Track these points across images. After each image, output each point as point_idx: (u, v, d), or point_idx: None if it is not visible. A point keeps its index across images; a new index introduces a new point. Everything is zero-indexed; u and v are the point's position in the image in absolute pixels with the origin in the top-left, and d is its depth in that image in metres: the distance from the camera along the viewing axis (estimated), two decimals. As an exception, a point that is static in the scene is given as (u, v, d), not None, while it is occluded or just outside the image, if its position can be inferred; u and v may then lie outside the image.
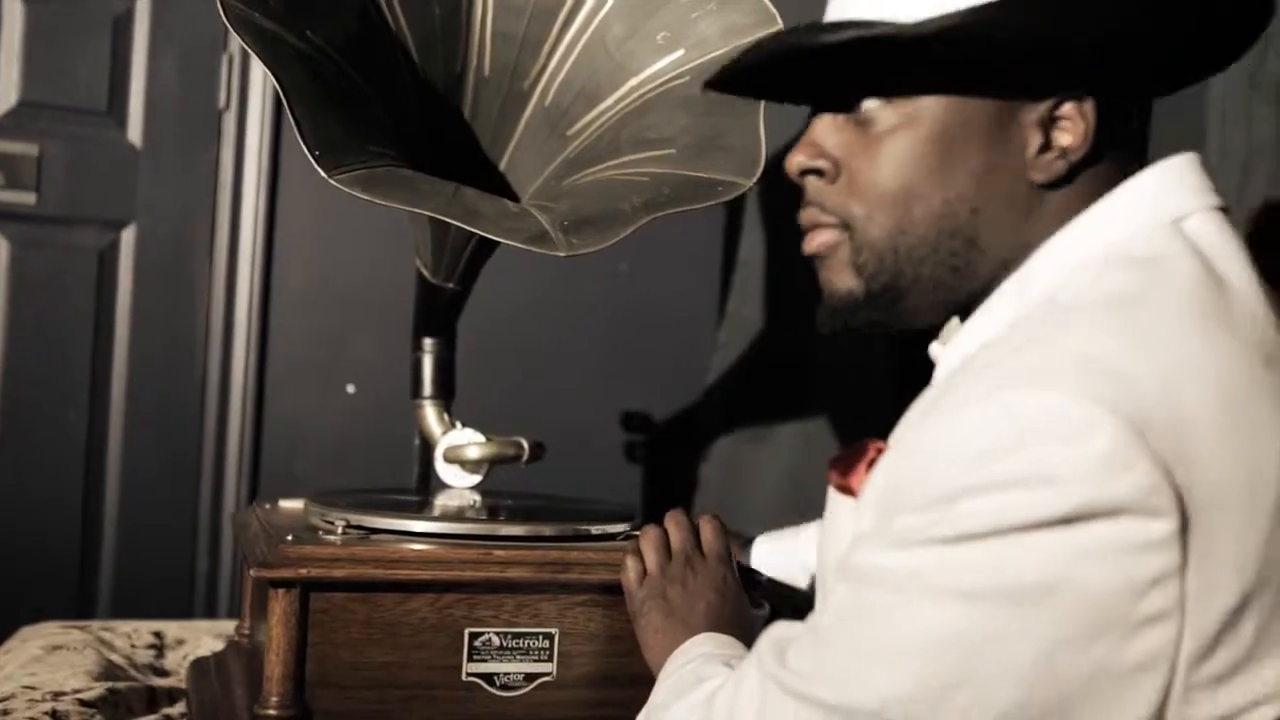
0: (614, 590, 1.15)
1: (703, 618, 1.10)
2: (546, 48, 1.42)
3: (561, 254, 1.07)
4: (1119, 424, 0.70)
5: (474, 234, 1.09)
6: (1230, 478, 0.72)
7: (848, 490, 0.89)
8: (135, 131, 2.13)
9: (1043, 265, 0.84)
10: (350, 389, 2.27)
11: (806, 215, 0.90)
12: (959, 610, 0.72)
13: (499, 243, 1.18)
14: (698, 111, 1.28)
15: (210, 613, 2.19)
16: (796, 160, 0.89)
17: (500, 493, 1.41)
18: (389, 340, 2.03)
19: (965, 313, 0.89)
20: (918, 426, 0.79)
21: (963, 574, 0.72)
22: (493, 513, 1.27)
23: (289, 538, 1.14)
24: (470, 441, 1.40)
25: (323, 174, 1.04)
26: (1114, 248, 0.81)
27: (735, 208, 2.51)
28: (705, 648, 1.05)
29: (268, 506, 1.42)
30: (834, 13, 0.88)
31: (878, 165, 0.85)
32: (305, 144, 1.05)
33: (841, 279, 0.89)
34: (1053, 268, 0.84)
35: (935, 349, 0.95)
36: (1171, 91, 0.94)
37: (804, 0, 2.21)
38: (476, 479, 1.42)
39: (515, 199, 1.44)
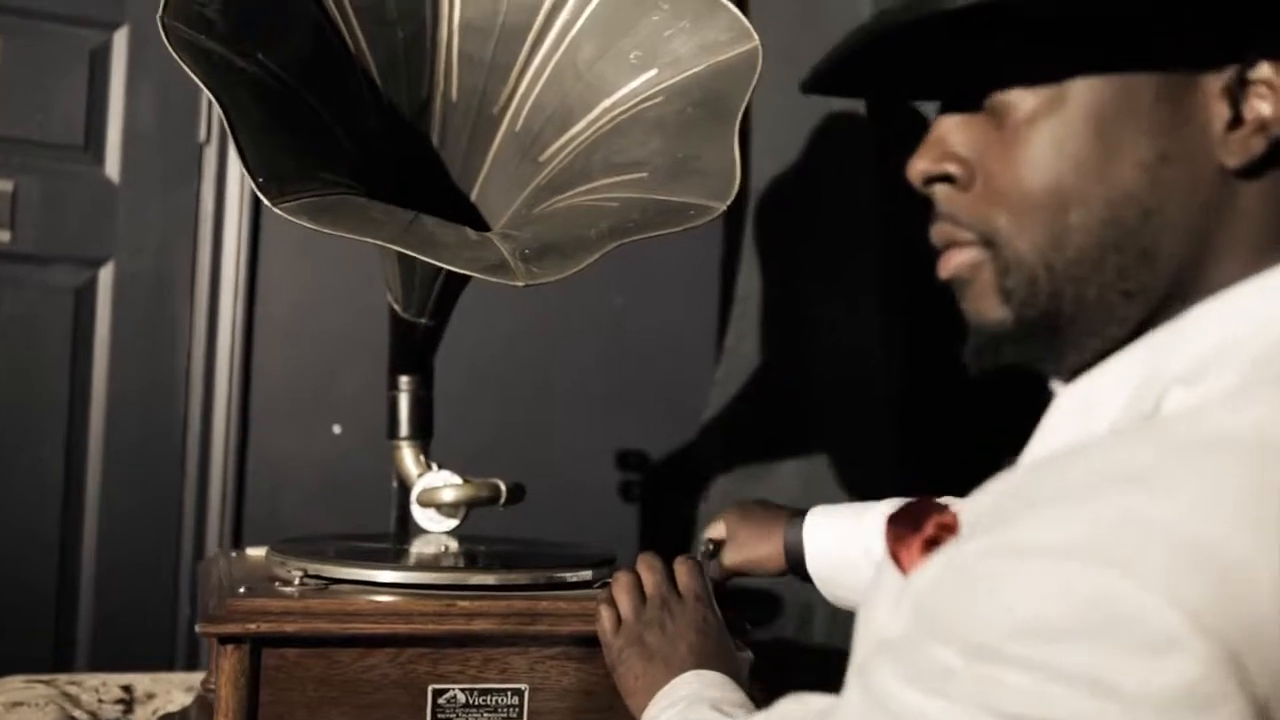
0: (588, 642, 1.09)
1: (685, 657, 1.04)
2: (515, 71, 1.36)
3: (520, 284, 1.01)
4: (1214, 651, 0.52)
5: (440, 266, 1.03)
6: None
7: (898, 564, 0.72)
8: (113, 166, 2.08)
9: (1204, 320, 0.66)
10: (336, 429, 2.20)
11: (939, 232, 0.73)
12: None
13: (468, 275, 1.12)
14: (671, 133, 1.22)
15: (192, 663, 2.12)
16: (919, 167, 0.73)
17: (477, 538, 1.34)
18: (376, 378, 1.96)
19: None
20: (987, 536, 0.60)
21: None
22: (460, 560, 1.20)
23: (241, 590, 1.07)
24: (445, 484, 1.35)
25: (266, 202, 0.98)
26: None
27: (733, 240, 2.45)
28: (691, 687, 1.00)
29: (234, 554, 1.36)
30: None
31: (1019, 163, 0.68)
32: (248, 170, 0.99)
33: (989, 308, 0.71)
34: (1213, 329, 0.65)
35: (1056, 384, 0.75)
36: None
37: (785, 17, 2.18)
38: (453, 523, 1.36)
39: (487, 228, 1.39)
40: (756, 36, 1.25)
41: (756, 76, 1.22)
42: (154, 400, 2.11)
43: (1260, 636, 0.53)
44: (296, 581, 1.10)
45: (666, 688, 1.01)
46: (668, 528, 2.45)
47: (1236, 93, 0.64)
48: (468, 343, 2.20)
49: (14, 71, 2.00)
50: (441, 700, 1.07)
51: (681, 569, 1.12)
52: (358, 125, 1.29)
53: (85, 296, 2.08)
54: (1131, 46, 0.66)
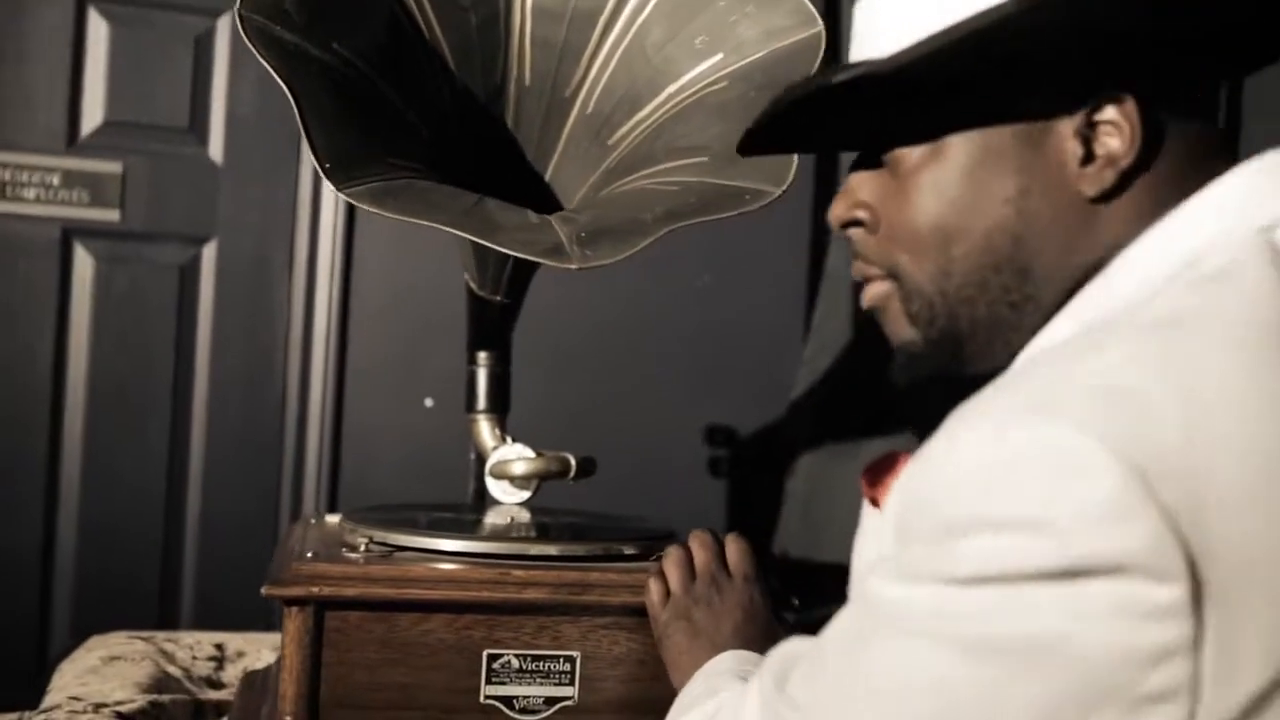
0: (639, 613, 1.12)
1: (730, 637, 1.06)
2: (587, 54, 1.39)
3: (574, 266, 1.04)
4: (1125, 468, 0.62)
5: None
6: (1262, 541, 0.63)
7: (875, 503, 0.86)
8: (216, 148, 2.17)
9: (1108, 283, 0.77)
10: (428, 403, 2.27)
11: (856, 268, 0.87)
12: (950, 659, 0.66)
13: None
14: (733, 118, 1.23)
15: (286, 624, 2.21)
16: (835, 213, 0.86)
17: (548, 510, 1.38)
18: (465, 354, 2.03)
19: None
20: (932, 442, 0.71)
21: (959, 621, 0.65)
22: (518, 531, 1.24)
23: (309, 554, 1.13)
24: (517, 457, 1.38)
25: (332, 187, 1.02)
26: (1187, 262, 0.73)
27: (822, 218, 2.46)
28: (727, 664, 1.02)
29: (314, 520, 1.42)
30: (852, 52, 0.84)
31: (909, 208, 0.81)
32: (315, 157, 1.04)
33: (900, 331, 0.84)
34: (1118, 285, 0.76)
35: None
36: (1244, 73, 0.85)
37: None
38: (525, 495, 1.39)
39: (561, 208, 1.42)
40: (820, 22, 1.26)
41: (819, 61, 1.23)
42: (254, 373, 2.20)
43: (1167, 461, 0.62)
44: (362, 548, 1.15)
45: (707, 665, 1.03)
46: (756, 505, 2.47)
47: (1086, 133, 0.76)
48: (558, 320, 2.25)
49: (122, 57, 2.10)
50: (496, 665, 1.11)
51: (733, 547, 1.14)
52: (433, 109, 1.33)
53: (189, 274, 2.18)
54: (992, 102, 0.78)
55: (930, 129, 0.80)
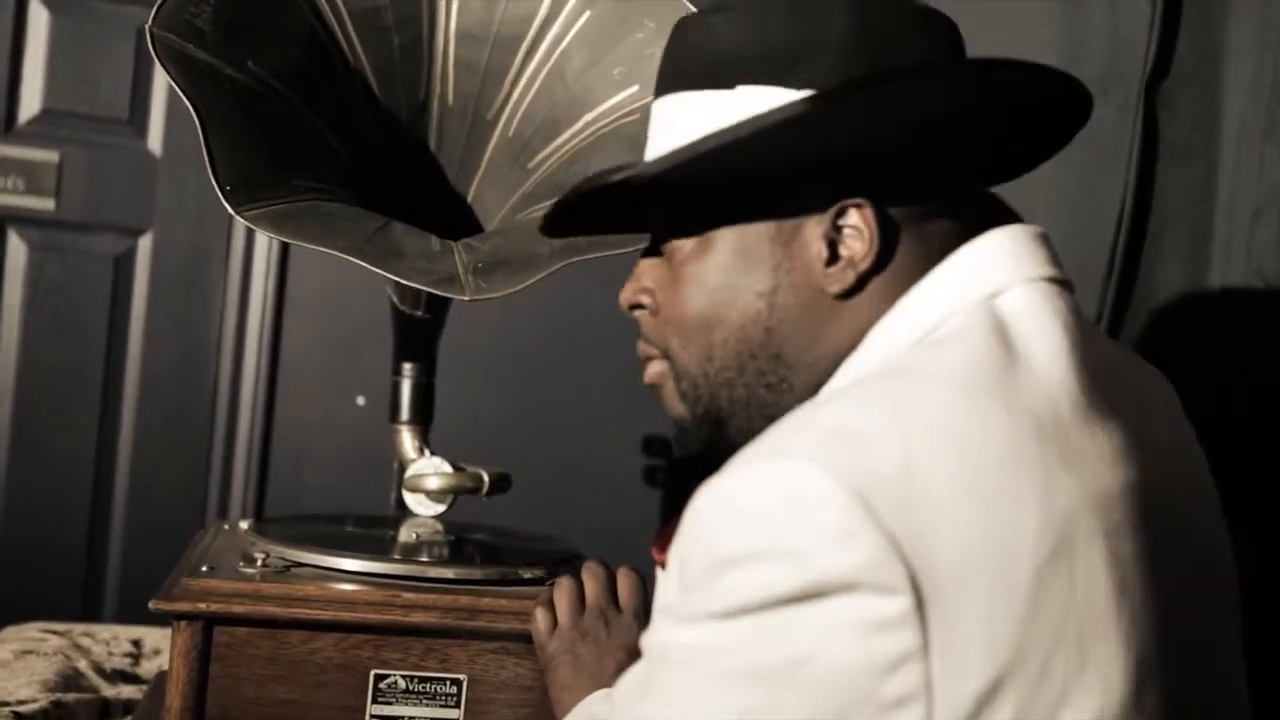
0: (527, 639, 1.14)
1: (612, 676, 1.06)
2: (509, 78, 1.41)
3: (466, 298, 1.05)
4: (848, 494, 0.69)
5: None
6: (974, 554, 0.70)
7: (663, 565, 0.90)
8: (155, 141, 2.17)
9: (853, 362, 0.84)
10: (360, 401, 2.28)
11: (641, 348, 0.94)
12: (721, 689, 0.72)
13: None
14: (642, 151, 1.25)
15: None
16: (623, 297, 0.95)
17: (463, 525, 1.40)
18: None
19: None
20: (694, 497, 0.78)
21: (724, 654, 0.72)
22: (416, 552, 1.26)
23: (202, 569, 1.14)
24: (433, 472, 1.40)
25: (230, 210, 1.04)
26: (923, 333, 0.81)
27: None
28: (600, 706, 1.03)
29: (225, 527, 1.43)
30: (646, 153, 0.92)
31: (679, 296, 0.89)
32: (215, 180, 1.05)
33: (673, 407, 0.92)
34: (862, 361, 0.83)
35: None
36: (990, 181, 0.92)
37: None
38: (440, 508, 1.41)
39: (481, 230, 1.43)
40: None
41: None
42: (186, 366, 2.21)
43: (886, 487, 0.70)
44: (259, 563, 1.16)
45: (583, 701, 1.05)
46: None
47: (832, 235, 0.83)
48: (489, 330, 2.26)
49: (63, 47, 2.10)
50: (383, 685, 1.13)
51: (624, 582, 1.15)
52: (353, 129, 1.35)
53: (124, 264, 2.18)
54: (746, 205, 0.85)
55: (694, 225, 0.87)
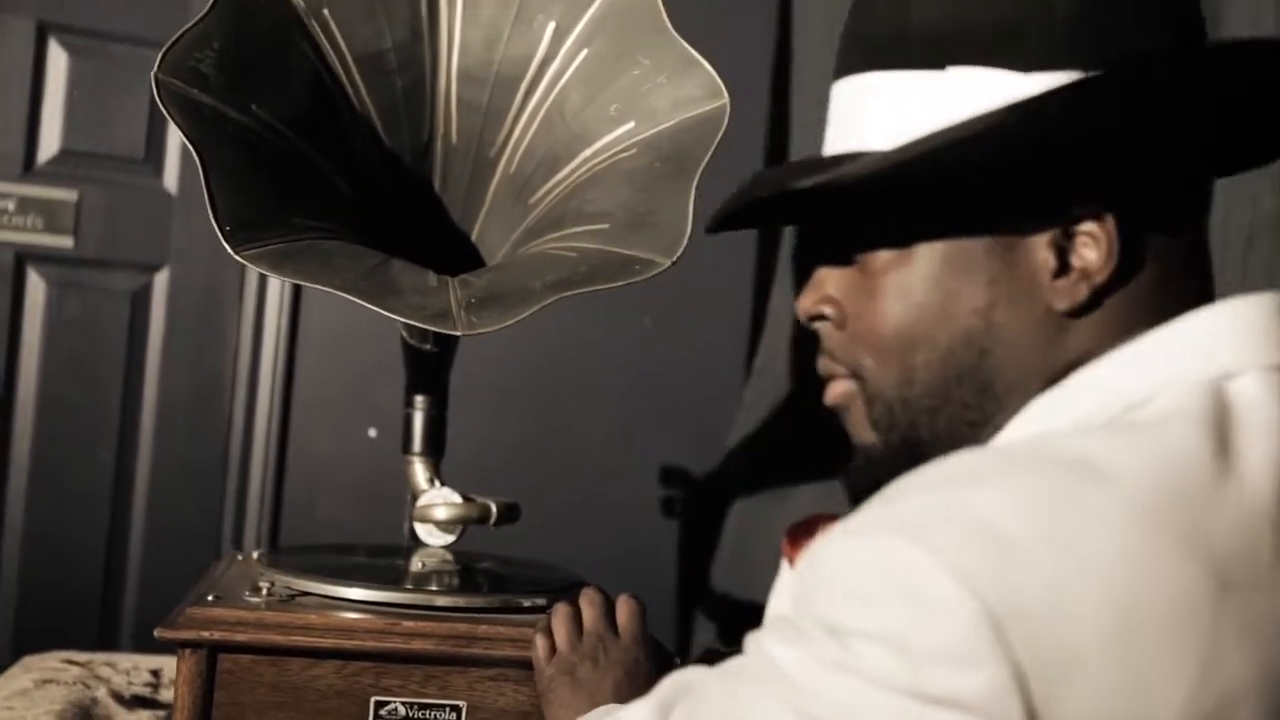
0: (525, 665, 1.16)
1: (610, 693, 1.09)
2: (510, 116, 1.44)
3: (458, 333, 1.08)
4: (979, 613, 0.61)
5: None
6: (1107, 712, 0.62)
7: (791, 562, 0.86)
8: (171, 179, 2.22)
9: (1054, 403, 0.73)
10: (372, 433, 2.31)
11: (821, 364, 0.83)
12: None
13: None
14: (637, 186, 1.29)
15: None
16: (803, 306, 0.83)
17: (471, 555, 1.42)
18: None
19: None
20: (835, 532, 0.70)
21: (811, 697, 0.66)
22: (420, 581, 1.28)
23: (208, 598, 1.17)
24: (442, 502, 1.42)
25: (229, 250, 1.07)
26: (1130, 402, 0.70)
27: (766, 265, 2.50)
28: (600, 714, 1.04)
29: (239, 557, 1.46)
30: (828, 139, 0.81)
31: (876, 308, 0.77)
32: (215, 220, 1.08)
33: (861, 433, 0.80)
34: (1063, 408, 0.73)
35: None
36: (1232, 173, 0.84)
37: (756, 66, 2.21)
38: (449, 539, 1.43)
39: (485, 264, 1.46)
40: (726, 94, 1.31)
41: (721, 132, 1.28)
42: (201, 400, 2.25)
43: (1025, 612, 0.61)
44: (264, 592, 1.19)
45: (585, 716, 1.06)
46: (693, 544, 2.51)
47: (1063, 244, 0.73)
48: (499, 363, 2.29)
49: (81, 89, 2.15)
50: (383, 712, 1.15)
51: (623, 608, 1.16)
52: (358, 170, 1.38)
53: (140, 300, 2.22)
54: (965, 212, 0.74)
55: (903, 233, 0.76)
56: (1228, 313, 0.72)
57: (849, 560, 0.66)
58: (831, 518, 0.83)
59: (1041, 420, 0.73)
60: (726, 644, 1.70)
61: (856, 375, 0.79)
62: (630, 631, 1.14)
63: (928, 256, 0.75)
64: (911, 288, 0.76)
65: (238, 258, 1.07)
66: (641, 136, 1.34)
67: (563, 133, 1.40)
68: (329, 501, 2.31)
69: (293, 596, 1.20)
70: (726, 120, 1.30)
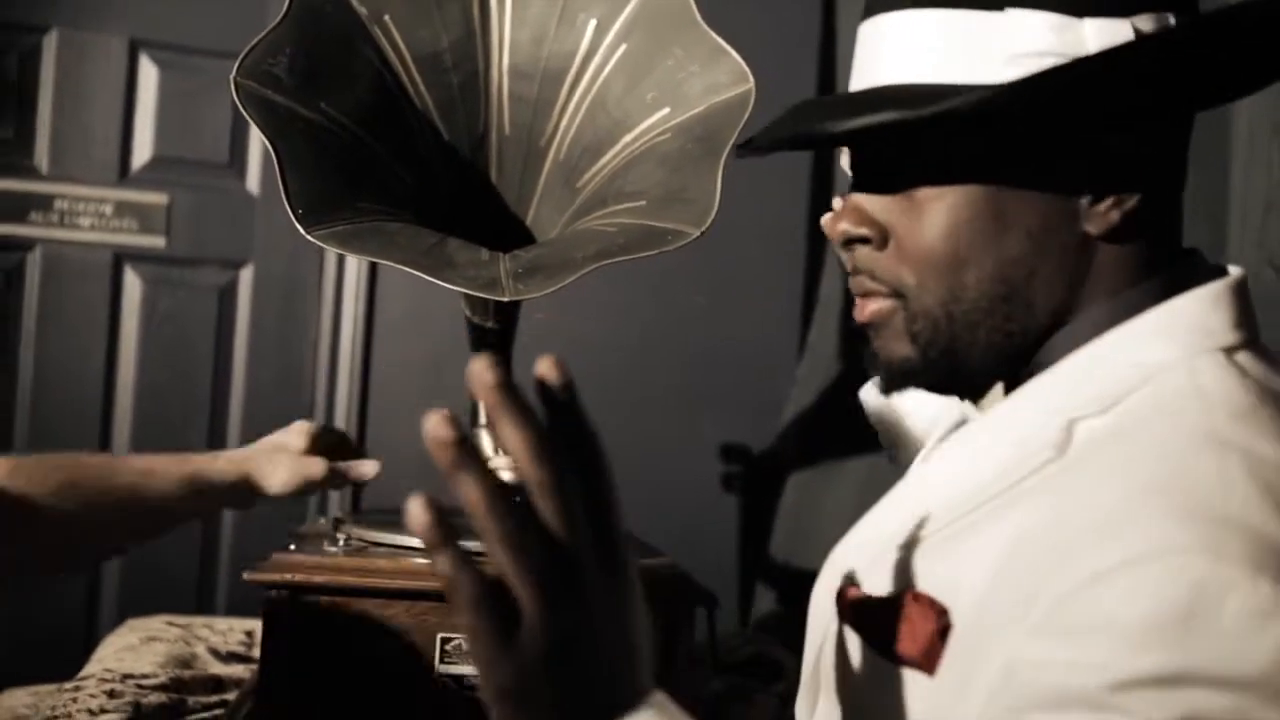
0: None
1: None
2: (557, 108, 1.55)
3: (505, 299, 1.20)
4: None
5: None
6: None
7: (916, 665, 0.75)
8: (253, 181, 2.37)
9: (1094, 363, 0.79)
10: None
11: (856, 283, 0.86)
12: None
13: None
14: (671, 166, 1.39)
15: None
16: (840, 228, 0.84)
17: None
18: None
19: (1010, 374, 0.84)
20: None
21: None
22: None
23: (290, 547, 1.30)
24: (505, 466, 1.54)
25: (301, 230, 1.20)
26: (1208, 340, 0.77)
27: (817, 242, 2.59)
28: None
29: (322, 520, 1.59)
30: (863, 72, 0.83)
31: (924, 231, 0.80)
32: (288, 204, 1.21)
33: (898, 347, 0.83)
34: (1101, 371, 0.78)
35: (971, 410, 0.91)
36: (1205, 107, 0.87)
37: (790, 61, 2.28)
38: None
39: (538, 246, 1.58)
40: (752, 79, 1.41)
41: (747, 114, 1.38)
42: (285, 385, 2.40)
43: None
44: (340, 543, 1.32)
45: None
46: (751, 519, 2.60)
47: (1104, 173, 0.79)
48: (559, 345, 2.39)
49: (170, 99, 2.31)
50: (449, 647, 1.27)
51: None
52: (420, 160, 1.50)
53: (227, 296, 2.38)
54: (1031, 145, 0.79)
55: (963, 165, 0.79)
56: (1218, 291, 0.79)
57: (1124, 597, 0.66)
58: (921, 597, 0.76)
59: (1123, 361, 0.78)
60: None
61: (897, 294, 0.82)
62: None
63: (981, 184, 0.79)
64: (964, 213, 0.79)
65: (309, 237, 1.20)
66: (676, 121, 1.44)
67: (605, 121, 1.51)
68: (406, 480, 2.43)
69: (365, 546, 1.33)
70: (752, 102, 1.40)
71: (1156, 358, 0.77)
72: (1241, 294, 0.81)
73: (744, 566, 2.60)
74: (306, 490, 1.32)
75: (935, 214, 0.80)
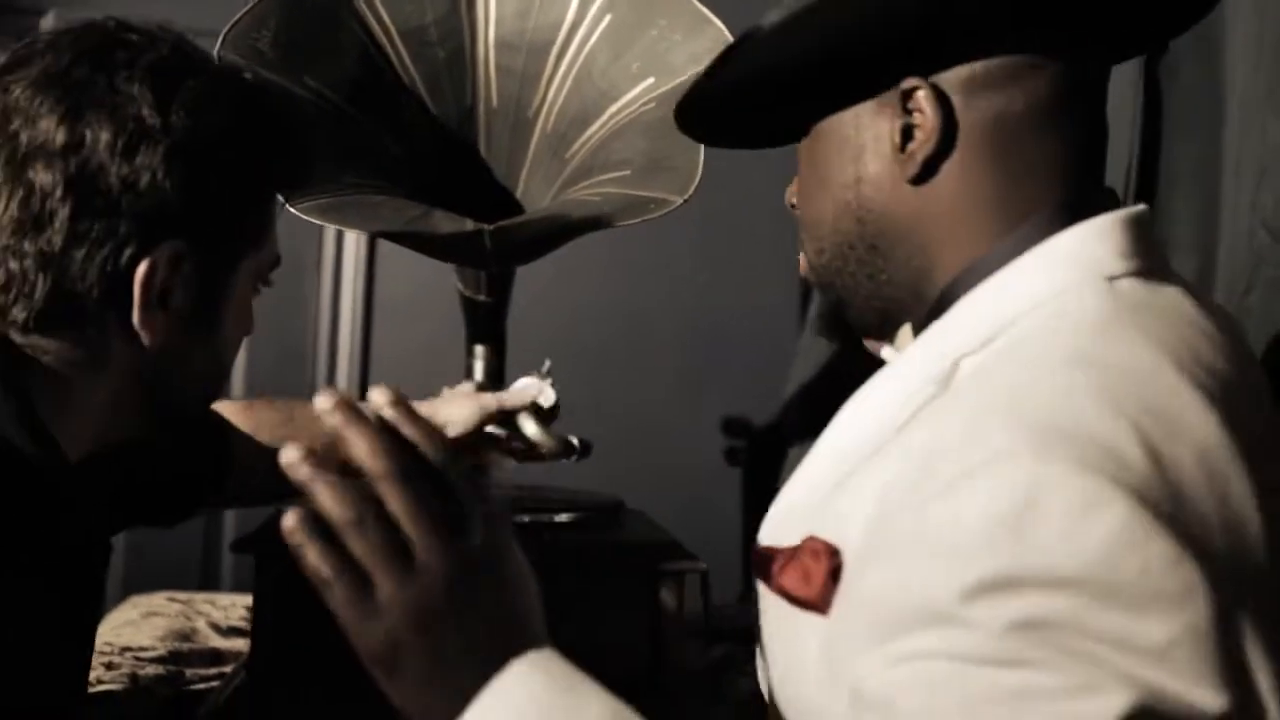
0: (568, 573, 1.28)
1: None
2: (544, 79, 1.56)
3: (492, 269, 1.21)
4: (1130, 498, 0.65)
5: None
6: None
7: (813, 607, 0.75)
8: (251, 161, 2.38)
9: (973, 307, 0.80)
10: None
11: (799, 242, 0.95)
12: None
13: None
14: (655, 135, 1.40)
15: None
16: (787, 198, 0.95)
17: (543, 487, 1.55)
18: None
19: (916, 317, 0.86)
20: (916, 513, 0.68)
21: None
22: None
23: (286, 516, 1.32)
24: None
25: (282, 202, 1.21)
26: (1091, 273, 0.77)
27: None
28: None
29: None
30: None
31: (799, 193, 0.90)
32: (271, 177, 1.22)
33: (818, 298, 0.94)
34: (980, 311, 0.79)
35: (888, 352, 0.96)
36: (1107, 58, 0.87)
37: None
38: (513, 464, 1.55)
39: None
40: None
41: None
42: (284, 365, 2.41)
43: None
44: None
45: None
46: (751, 493, 2.61)
47: (906, 118, 0.80)
48: (560, 321, 2.41)
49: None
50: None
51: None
52: (407, 134, 1.51)
53: (227, 275, 2.40)
54: (829, 86, 0.83)
55: (796, 123, 0.87)
56: (1101, 226, 0.78)
57: (964, 504, 0.68)
58: (816, 543, 0.77)
59: (999, 301, 0.79)
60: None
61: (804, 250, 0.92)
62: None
63: (819, 140, 0.85)
64: (812, 169, 0.86)
65: (291, 209, 1.21)
66: (660, 90, 1.45)
67: (591, 91, 1.52)
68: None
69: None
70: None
71: (1040, 290, 0.77)
72: (1134, 227, 0.80)
73: (746, 539, 2.61)
74: (484, 422, 1.36)
75: (800, 178, 0.89)
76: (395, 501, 0.64)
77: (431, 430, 0.66)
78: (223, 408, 1.31)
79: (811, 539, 0.76)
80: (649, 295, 2.55)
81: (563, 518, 1.36)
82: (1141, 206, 0.82)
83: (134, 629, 1.69)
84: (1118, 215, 0.80)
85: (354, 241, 2.41)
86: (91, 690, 1.35)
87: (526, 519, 1.35)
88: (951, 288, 0.81)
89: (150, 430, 1.01)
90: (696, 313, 2.58)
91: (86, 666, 1.08)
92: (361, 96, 1.45)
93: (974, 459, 0.66)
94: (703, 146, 1.34)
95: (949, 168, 0.80)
